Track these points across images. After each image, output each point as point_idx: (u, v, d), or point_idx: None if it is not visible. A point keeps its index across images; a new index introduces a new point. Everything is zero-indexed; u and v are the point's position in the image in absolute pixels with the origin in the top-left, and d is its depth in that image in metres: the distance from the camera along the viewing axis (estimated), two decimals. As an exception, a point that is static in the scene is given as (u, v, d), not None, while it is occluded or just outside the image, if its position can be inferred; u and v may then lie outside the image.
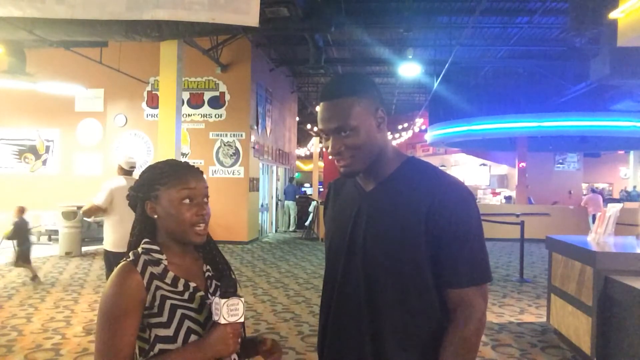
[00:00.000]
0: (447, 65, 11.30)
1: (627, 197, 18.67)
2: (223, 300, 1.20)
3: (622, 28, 4.83)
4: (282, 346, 4.38)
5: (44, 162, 12.31)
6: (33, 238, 10.50)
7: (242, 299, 1.24)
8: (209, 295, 1.31)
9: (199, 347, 1.20)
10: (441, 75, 12.70)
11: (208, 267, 1.38)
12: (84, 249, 9.55)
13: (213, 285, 1.35)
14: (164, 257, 1.28)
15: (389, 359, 1.27)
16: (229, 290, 1.23)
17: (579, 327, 4.06)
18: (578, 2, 6.93)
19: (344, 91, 1.29)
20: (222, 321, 1.19)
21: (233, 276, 1.33)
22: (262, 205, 13.19)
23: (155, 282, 1.23)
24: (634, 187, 20.13)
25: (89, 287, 6.63)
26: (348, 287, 1.34)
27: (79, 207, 9.25)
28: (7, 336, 4.50)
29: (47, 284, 6.76)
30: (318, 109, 1.34)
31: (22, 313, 5.29)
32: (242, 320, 1.23)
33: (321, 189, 24.15)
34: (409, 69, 11.63)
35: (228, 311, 1.20)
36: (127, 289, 1.19)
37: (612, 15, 4.82)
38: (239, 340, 1.24)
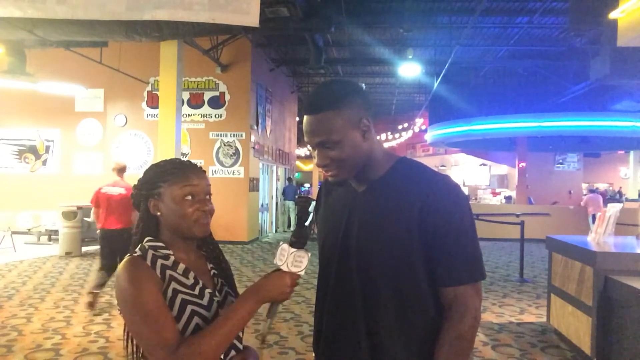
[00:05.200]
0: (447, 65, 11.30)
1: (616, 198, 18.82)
2: (292, 250, 1.23)
3: (622, 28, 4.84)
4: (282, 346, 4.39)
5: (44, 162, 12.32)
6: (34, 238, 10.58)
7: (309, 255, 1.25)
8: (217, 293, 1.32)
9: (257, 290, 1.22)
10: (441, 75, 12.70)
11: (211, 265, 1.40)
12: (84, 249, 9.55)
13: (219, 284, 1.36)
14: (170, 252, 1.29)
15: (386, 356, 1.29)
16: (299, 240, 1.25)
17: (579, 327, 4.06)
18: (578, 2, 6.93)
19: (325, 105, 1.27)
20: (285, 269, 1.22)
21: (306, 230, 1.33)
22: (262, 205, 13.19)
23: (169, 272, 1.24)
24: (616, 190, 20.45)
25: (89, 287, 6.61)
26: (342, 286, 1.35)
27: (79, 207, 9.27)
28: (7, 336, 4.50)
29: (47, 284, 6.76)
30: (304, 120, 1.33)
31: (22, 313, 5.28)
32: (302, 273, 1.25)
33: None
34: (409, 69, 11.64)
35: (293, 261, 1.22)
36: (144, 277, 1.19)
37: (612, 15, 4.83)
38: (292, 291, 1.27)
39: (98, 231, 5.69)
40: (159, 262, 1.25)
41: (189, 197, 1.28)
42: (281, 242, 1.27)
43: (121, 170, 5.76)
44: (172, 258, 1.28)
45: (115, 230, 5.43)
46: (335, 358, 1.37)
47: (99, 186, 5.68)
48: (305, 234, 1.28)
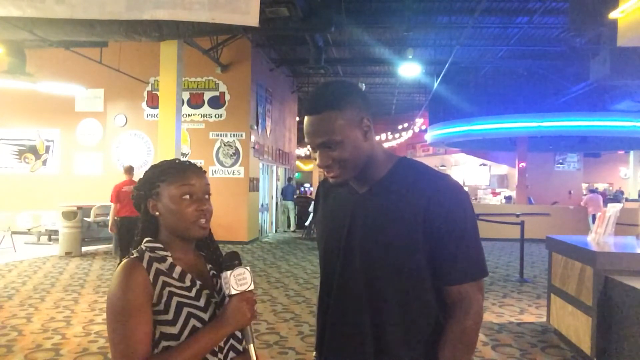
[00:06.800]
0: (447, 65, 11.30)
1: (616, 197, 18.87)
2: (229, 272, 1.24)
3: (622, 28, 4.84)
4: (282, 346, 4.39)
5: (44, 162, 12.32)
6: (34, 238, 10.58)
7: (248, 268, 1.26)
8: (215, 294, 1.31)
9: (218, 324, 1.21)
10: (441, 75, 12.70)
11: (210, 265, 1.39)
12: (84, 249, 9.55)
13: (218, 284, 1.35)
14: (168, 253, 1.28)
15: (392, 355, 1.29)
16: (233, 262, 1.26)
17: (579, 327, 4.06)
18: (578, 2, 6.93)
19: (327, 105, 1.28)
20: (233, 292, 1.23)
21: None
22: (262, 205, 13.18)
23: (162, 278, 1.23)
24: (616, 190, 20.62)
25: (89, 287, 6.63)
26: (347, 287, 1.34)
27: (79, 207, 9.27)
28: (7, 336, 4.50)
29: (47, 284, 6.76)
30: (304, 121, 1.33)
31: (22, 313, 5.28)
32: (252, 288, 1.26)
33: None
34: (409, 69, 11.63)
35: (236, 281, 1.23)
36: (135, 284, 1.18)
37: (612, 15, 4.83)
38: (255, 307, 1.26)
39: (117, 218, 7.03)
40: (155, 265, 1.24)
41: (187, 197, 1.27)
42: (221, 274, 1.27)
43: (128, 171, 7.47)
44: (169, 260, 1.27)
45: (132, 217, 6.69)
46: (340, 356, 1.37)
47: (116, 185, 7.19)
48: (236, 255, 1.29)
